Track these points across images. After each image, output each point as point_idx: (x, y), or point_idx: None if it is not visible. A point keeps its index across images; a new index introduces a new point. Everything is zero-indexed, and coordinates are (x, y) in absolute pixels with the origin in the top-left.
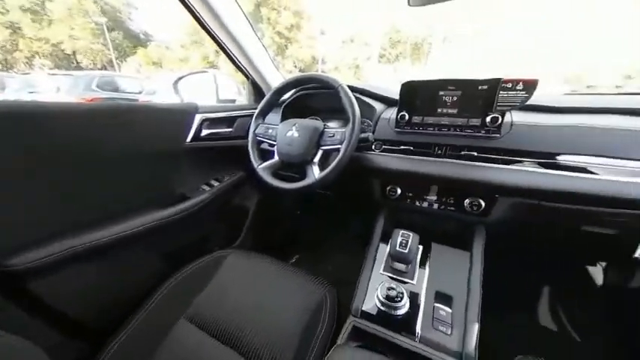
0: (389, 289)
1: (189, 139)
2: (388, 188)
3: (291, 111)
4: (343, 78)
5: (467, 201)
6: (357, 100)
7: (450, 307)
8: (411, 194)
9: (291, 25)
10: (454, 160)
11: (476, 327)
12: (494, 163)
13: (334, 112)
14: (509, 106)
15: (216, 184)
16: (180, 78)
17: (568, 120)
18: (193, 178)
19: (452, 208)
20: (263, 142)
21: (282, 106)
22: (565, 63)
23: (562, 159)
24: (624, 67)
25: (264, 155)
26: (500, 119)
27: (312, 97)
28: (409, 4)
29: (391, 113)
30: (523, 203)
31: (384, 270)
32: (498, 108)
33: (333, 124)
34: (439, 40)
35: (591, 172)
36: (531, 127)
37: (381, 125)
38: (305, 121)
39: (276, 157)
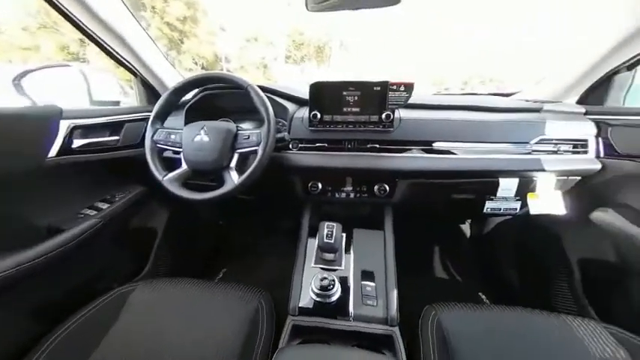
0: (322, 279)
1: (52, 152)
2: (310, 184)
3: (196, 113)
4: (252, 78)
5: (376, 187)
6: (269, 101)
7: (374, 281)
8: (330, 188)
9: (184, 17)
10: (362, 153)
11: (395, 293)
12: (392, 152)
13: (246, 112)
14: (397, 104)
15: (104, 206)
16: (25, 73)
17: (438, 115)
18: (67, 204)
19: (365, 195)
20: (165, 149)
21: (185, 108)
22: (430, 69)
23: (436, 145)
24: (463, 74)
25: (169, 165)
26: (392, 116)
27: (220, 97)
28: (307, 9)
29: (303, 113)
30: (415, 183)
31: (315, 263)
32: (390, 106)
33: (246, 126)
34: (337, 46)
35: (454, 154)
36: (415, 121)
37: (295, 125)
38: (215, 123)
39: (185, 166)
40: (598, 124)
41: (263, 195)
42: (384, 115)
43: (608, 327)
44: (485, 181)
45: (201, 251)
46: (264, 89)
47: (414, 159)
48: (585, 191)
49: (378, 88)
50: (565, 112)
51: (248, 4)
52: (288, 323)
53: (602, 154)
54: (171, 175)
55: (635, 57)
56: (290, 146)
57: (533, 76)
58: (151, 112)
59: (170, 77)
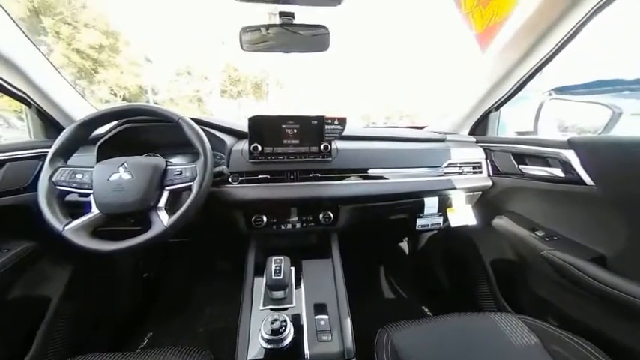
0: (272, 322)
1: None
2: (254, 218)
3: (113, 149)
4: (186, 111)
5: (321, 215)
6: (205, 134)
7: (327, 314)
8: (275, 220)
9: (100, 45)
10: (305, 183)
11: (348, 322)
12: (333, 180)
13: (176, 147)
14: (333, 136)
15: None
16: None
17: (369, 145)
18: None
19: (312, 224)
20: (69, 192)
21: (97, 144)
22: (358, 105)
23: (371, 172)
24: (385, 111)
25: (72, 211)
26: (329, 147)
27: (145, 130)
28: (242, 48)
29: (243, 145)
30: (356, 208)
31: (263, 304)
32: (327, 138)
33: (177, 161)
34: (273, 83)
35: (386, 179)
36: (350, 152)
37: (235, 158)
38: (139, 158)
39: (96, 210)
40: (485, 150)
41: (201, 235)
42: (322, 147)
43: (522, 317)
44: (413, 201)
45: (117, 316)
46: (198, 122)
47: (353, 186)
48: (485, 203)
49: (315, 122)
50: (462, 141)
51: (177, 37)
52: None
53: (491, 174)
54: (76, 222)
55: (497, 102)
56: (229, 180)
57: (436, 112)
58: (48, 148)
59: (78, 108)
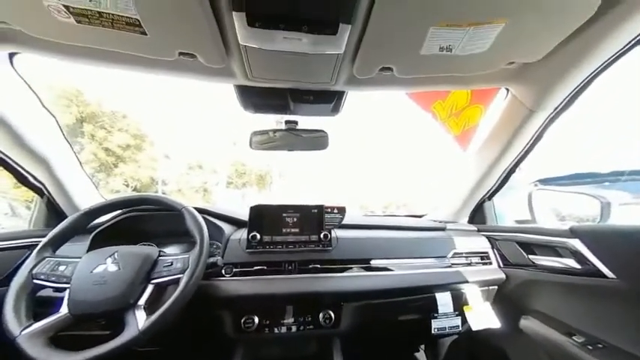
0: None
1: None
2: (244, 320)
3: (108, 238)
4: (189, 201)
5: (321, 315)
6: (205, 222)
7: None
8: (268, 322)
9: (127, 145)
10: (304, 275)
11: None
12: (334, 272)
13: (173, 236)
14: (333, 225)
15: None
16: None
17: (370, 234)
18: None
19: (310, 326)
20: (45, 286)
21: (93, 233)
22: (357, 194)
23: (374, 263)
24: (383, 200)
25: (39, 311)
26: (329, 235)
27: (145, 219)
28: (251, 147)
29: (241, 234)
30: (360, 306)
31: None
32: (326, 226)
33: (171, 250)
34: (276, 175)
35: (390, 270)
36: (351, 240)
37: (232, 247)
38: (131, 248)
39: (64, 310)
40: (489, 239)
41: (174, 344)
42: (322, 235)
43: None
44: (424, 297)
45: None
46: (200, 210)
47: (355, 278)
48: (504, 300)
49: (315, 211)
50: (463, 229)
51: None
52: None
53: (501, 265)
54: (36, 325)
55: (487, 193)
56: (223, 272)
57: (433, 201)
58: (42, 237)
59: (88, 198)
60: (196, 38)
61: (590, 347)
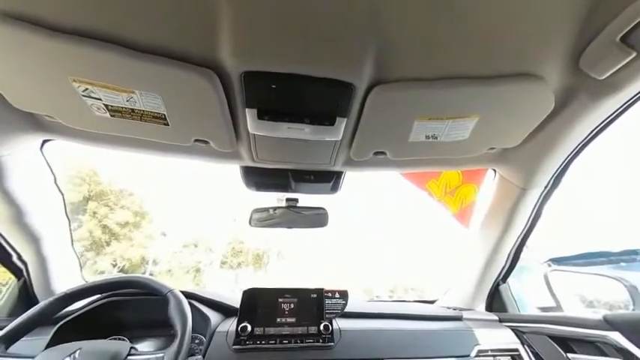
0: None
1: None
2: None
3: (77, 329)
4: (178, 283)
5: None
6: (191, 308)
7: None
8: None
9: (126, 222)
10: None
11: None
12: None
13: (150, 328)
14: (334, 312)
15: None
16: None
17: (378, 324)
18: None
19: None
20: None
21: (58, 325)
22: (360, 277)
23: None
24: (389, 284)
25: None
26: (330, 327)
27: (121, 306)
28: (250, 224)
29: (229, 325)
30: None
31: None
32: (327, 315)
33: (144, 347)
34: (275, 254)
35: None
36: (356, 333)
37: (216, 342)
38: (98, 344)
39: None
40: (515, 331)
41: None
42: (322, 326)
43: None
44: None
45: None
46: (187, 295)
47: None
48: None
49: (315, 295)
50: (482, 319)
51: (196, 214)
52: None
53: None
54: None
55: (500, 273)
56: None
57: (443, 284)
58: (2, 328)
59: (67, 280)
60: (212, 128)
61: None
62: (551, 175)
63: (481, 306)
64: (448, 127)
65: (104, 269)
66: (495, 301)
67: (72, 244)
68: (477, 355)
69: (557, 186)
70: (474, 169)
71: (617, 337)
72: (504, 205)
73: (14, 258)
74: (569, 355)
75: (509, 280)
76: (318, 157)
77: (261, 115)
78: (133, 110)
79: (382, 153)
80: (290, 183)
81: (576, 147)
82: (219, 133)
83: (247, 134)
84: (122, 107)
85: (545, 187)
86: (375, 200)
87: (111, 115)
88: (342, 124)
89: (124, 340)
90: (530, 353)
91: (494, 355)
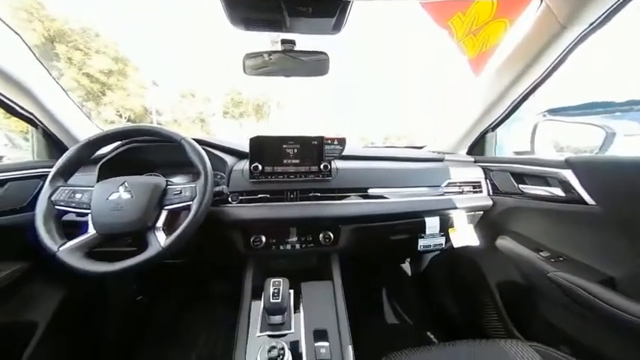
0: (269, 350)
1: None
2: (252, 239)
3: (114, 169)
4: (189, 132)
5: (321, 235)
6: (206, 154)
7: (327, 341)
8: (274, 240)
9: (110, 70)
10: (305, 202)
11: (350, 351)
12: (333, 200)
13: (177, 166)
14: (333, 156)
15: None
16: None
17: (369, 165)
18: None
19: (311, 245)
20: (67, 211)
21: (99, 164)
22: (358, 126)
23: (371, 191)
24: (384, 132)
25: (68, 231)
26: (329, 166)
27: (146, 150)
28: (245, 72)
29: (243, 165)
30: (357, 228)
31: (260, 331)
32: (326, 157)
33: (177, 180)
34: (275, 105)
35: (386, 198)
36: (350, 171)
37: (235, 177)
38: (139, 178)
39: (92, 231)
40: (484, 169)
41: (197, 256)
42: (322, 166)
43: (533, 345)
44: (414, 221)
45: (108, 342)
46: (200, 142)
47: (353, 205)
48: (488, 224)
49: (315, 142)
50: (461, 160)
51: (184, 62)
52: None
53: (491, 193)
54: (71, 243)
55: (492, 123)
56: (229, 199)
57: (434, 132)
58: (50, 168)
59: (84, 129)
60: None
61: (552, 260)
62: (604, 11)
63: (463, 151)
64: None
65: (112, 119)
66: (477, 146)
67: (66, 93)
68: (446, 186)
69: (602, 26)
70: None
71: (567, 174)
72: (534, 43)
73: (18, 108)
74: (520, 186)
75: (498, 129)
76: None
77: None
78: None
79: None
80: (284, 18)
81: None
82: None
83: None
84: None
85: (590, 25)
86: (376, 45)
87: None
88: None
89: (158, 175)
90: (489, 184)
91: (459, 186)
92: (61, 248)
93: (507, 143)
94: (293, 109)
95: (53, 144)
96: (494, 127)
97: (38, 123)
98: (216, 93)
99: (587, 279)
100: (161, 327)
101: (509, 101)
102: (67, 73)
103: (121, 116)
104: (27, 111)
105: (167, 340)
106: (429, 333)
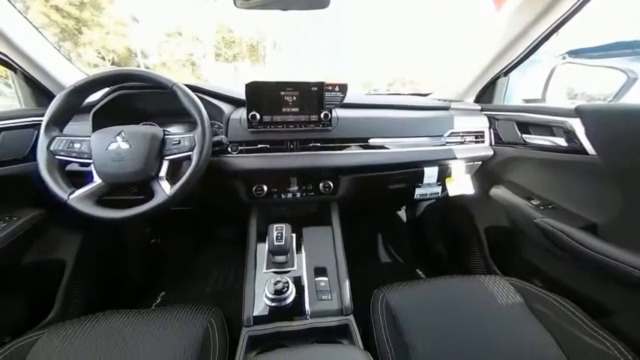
0: (275, 283)
1: None
2: (255, 188)
3: (108, 117)
4: (179, 77)
5: (321, 184)
6: (201, 102)
7: (327, 276)
8: (276, 189)
9: (81, 2)
10: (305, 152)
11: (347, 284)
12: (333, 150)
13: (172, 115)
14: (333, 104)
15: None
16: None
17: (371, 113)
18: None
19: (311, 193)
20: (69, 161)
21: (92, 112)
22: (360, 71)
23: (372, 141)
24: (388, 77)
25: (75, 180)
26: (330, 115)
27: (139, 98)
28: (236, 5)
29: (241, 114)
30: (356, 177)
31: (267, 268)
32: (327, 106)
33: (174, 130)
34: (270, 46)
35: (387, 148)
36: (351, 120)
37: (233, 126)
38: (136, 127)
39: (98, 180)
40: (490, 118)
41: (203, 203)
42: (322, 115)
43: (509, 279)
44: (413, 171)
45: (130, 278)
46: (193, 89)
47: (353, 155)
48: (485, 173)
49: (315, 89)
50: (466, 109)
51: None
52: (243, 335)
53: (493, 143)
54: (80, 192)
55: (507, 66)
56: (229, 149)
57: (441, 78)
58: (41, 116)
59: (67, 74)
60: None
61: (541, 208)
62: None
63: (471, 99)
64: None
65: (96, 62)
66: (486, 94)
67: (37, 29)
68: (449, 135)
69: None
70: None
71: (574, 122)
72: None
73: None
74: (524, 135)
75: (512, 74)
76: None
77: None
78: None
79: None
80: None
81: None
82: None
83: None
84: None
85: None
86: None
87: None
88: None
89: (153, 124)
90: (492, 134)
91: (462, 136)
92: (71, 196)
93: (516, 92)
94: (291, 51)
95: (38, 91)
96: (507, 71)
97: (16, 67)
98: (204, 31)
99: (571, 225)
100: (176, 265)
101: (530, 40)
102: (33, 5)
103: (104, 59)
104: (0, 52)
105: (183, 275)
106: (418, 270)
